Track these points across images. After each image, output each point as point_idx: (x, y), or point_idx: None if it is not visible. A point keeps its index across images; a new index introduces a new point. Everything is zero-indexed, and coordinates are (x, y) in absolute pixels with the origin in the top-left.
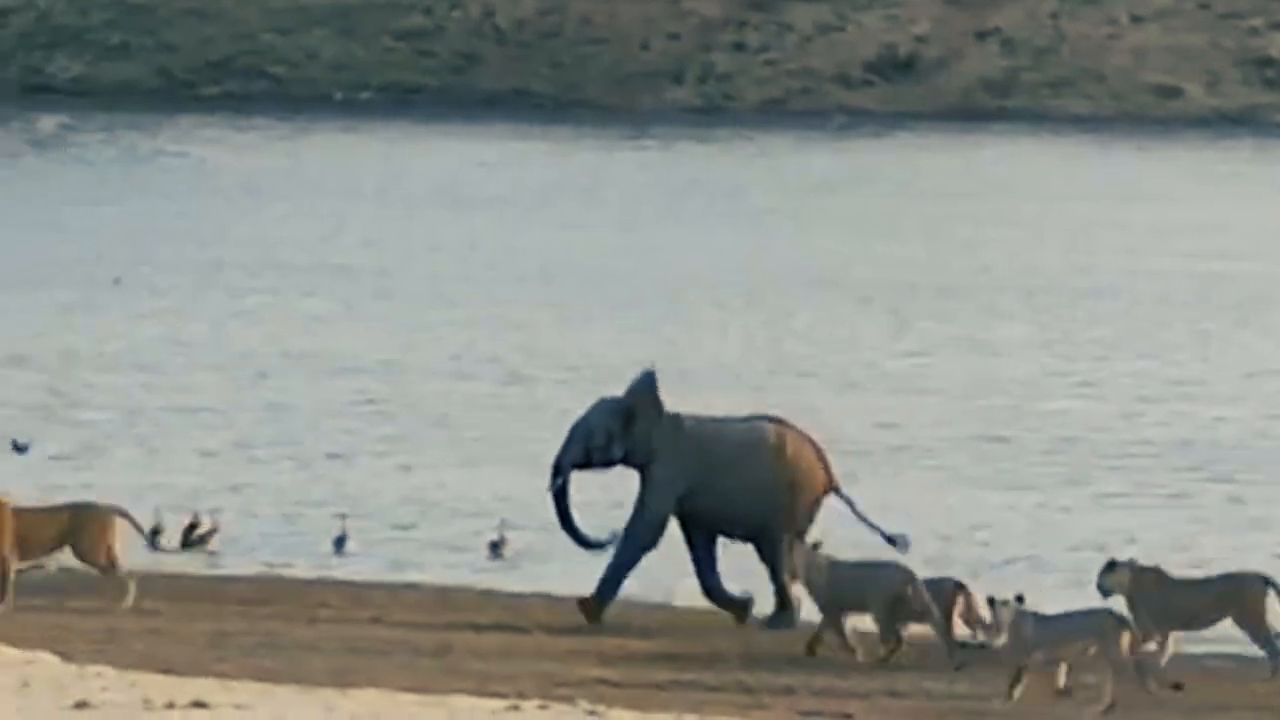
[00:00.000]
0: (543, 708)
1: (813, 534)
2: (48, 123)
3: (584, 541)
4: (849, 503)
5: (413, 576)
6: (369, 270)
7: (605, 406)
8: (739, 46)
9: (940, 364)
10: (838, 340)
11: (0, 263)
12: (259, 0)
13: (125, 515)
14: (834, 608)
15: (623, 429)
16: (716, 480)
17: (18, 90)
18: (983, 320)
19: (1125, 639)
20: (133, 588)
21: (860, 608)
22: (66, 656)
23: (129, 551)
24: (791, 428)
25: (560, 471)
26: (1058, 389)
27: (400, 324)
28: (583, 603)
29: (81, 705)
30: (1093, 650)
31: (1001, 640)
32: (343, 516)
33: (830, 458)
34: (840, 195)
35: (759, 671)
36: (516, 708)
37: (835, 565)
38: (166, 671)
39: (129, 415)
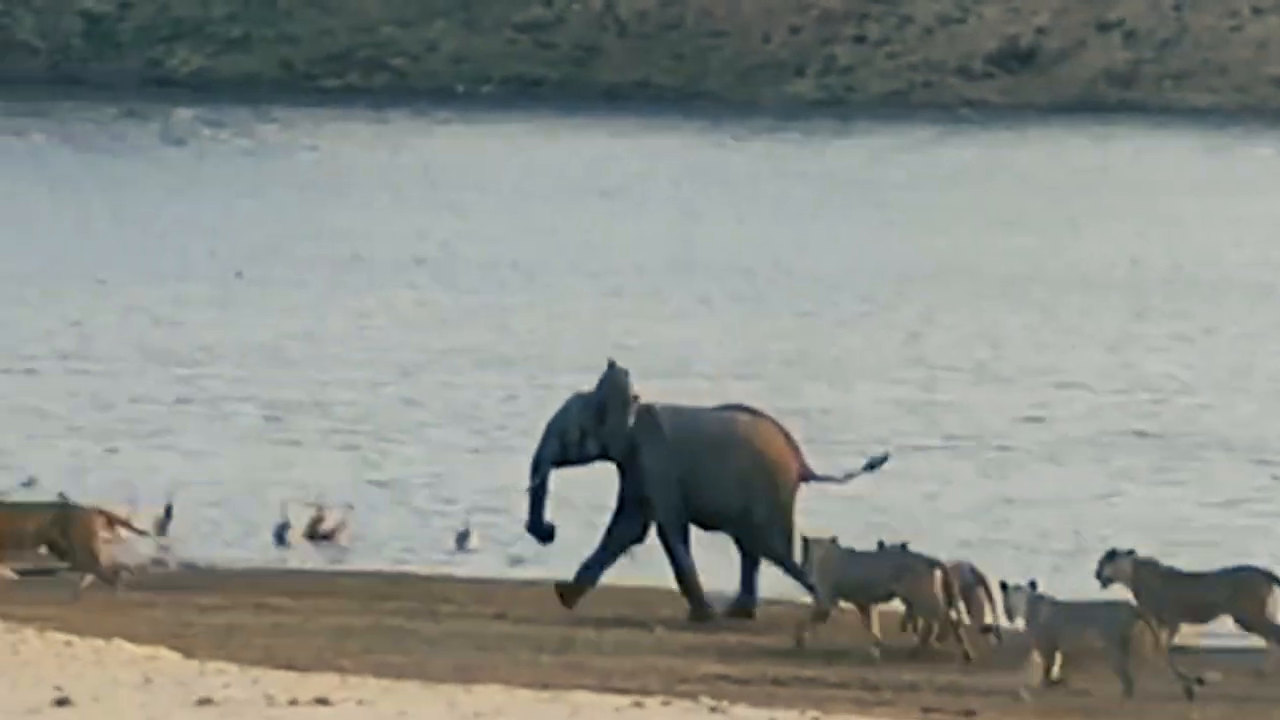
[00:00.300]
0: (665, 704)
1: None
2: (182, 115)
3: (544, 536)
4: (831, 479)
5: (536, 572)
6: (501, 264)
7: (578, 403)
8: (860, 39)
9: (1083, 358)
10: (979, 334)
11: (133, 256)
12: None
13: (112, 516)
14: (838, 598)
15: (595, 425)
16: (698, 470)
17: (138, 82)
18: (1124, 314)
19: (1142, 634)
20: (87, 580)
21: (885, 600)
22: (188, 653)
23: (113, 547)
24: (764, 417)
25: (538, 469)
26: (1199, 384)
27: (532, 317)
28: (693, 613)
29: (204, 702)
30: (1099, 644)
31: (1017, 625)
32: (469, 513)
33: (801, 446)
34: (967, 188)
35: (882, 667)
36: (639, 704)
37: (856, 557)
38: (289, 668)
39: (267, 409)
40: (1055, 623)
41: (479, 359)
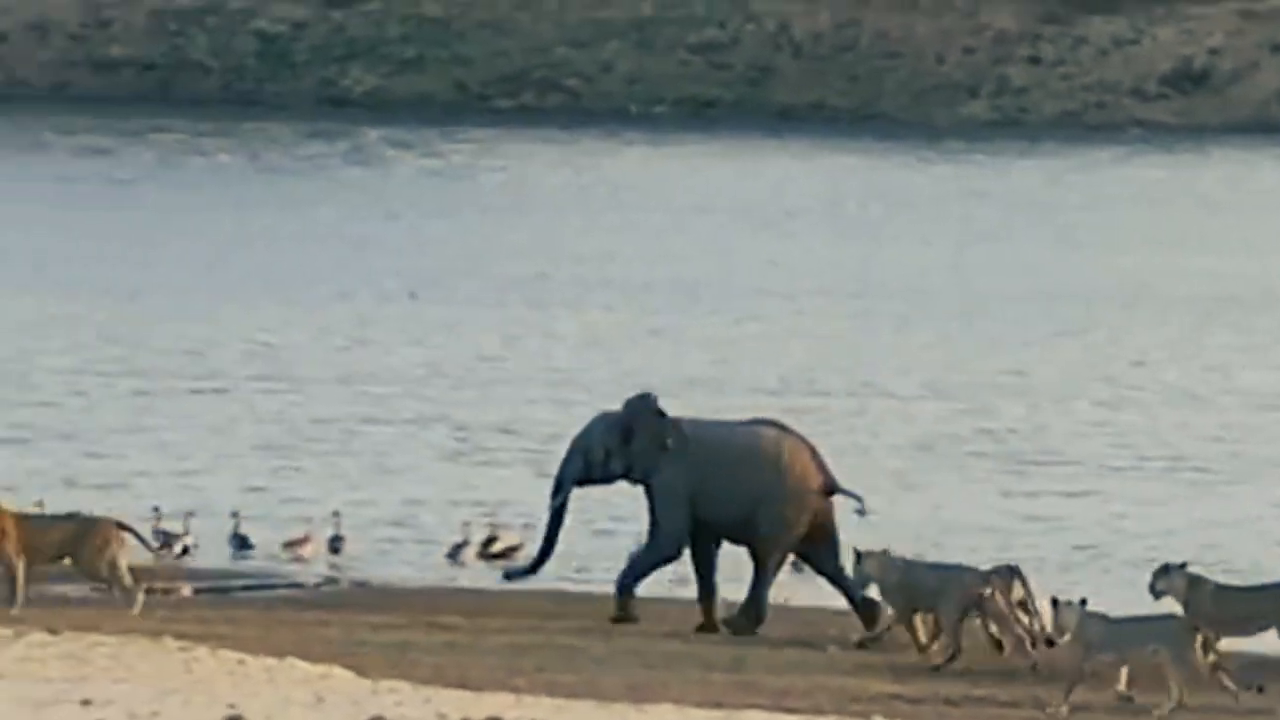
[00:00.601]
0: None
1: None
2: (370, 135)
3: (536, 565)
4: (853, 496)
5: None
6: (686, 284)
7: (604, 422)
8: (1034, 60)
9: (1273, 379)
10: (1167, 355)
11: (322, 276)
12: (554, 13)
13: (128, 529)
14: (909, 608)
15: (621, 445)
16: (716, 484)
17: (313, 102)
18: None
19: (1197, 645)
20: (140, 598)
21: (933, 608)
22: (361, 671)
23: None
24: (790, 432)
25: (561, 488)
26: None
27: (711, 339)
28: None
29: None
30: (1161, 656)
31: (1064, 640)
32: (640, 533)
33: (828, 461)
34: (1148, 208)
35: (1053, 687)
36: None
37: (911, 566)
38: (461, 686)
39: (456, 429)
40: (1111, 639)
41: (664, 379)
